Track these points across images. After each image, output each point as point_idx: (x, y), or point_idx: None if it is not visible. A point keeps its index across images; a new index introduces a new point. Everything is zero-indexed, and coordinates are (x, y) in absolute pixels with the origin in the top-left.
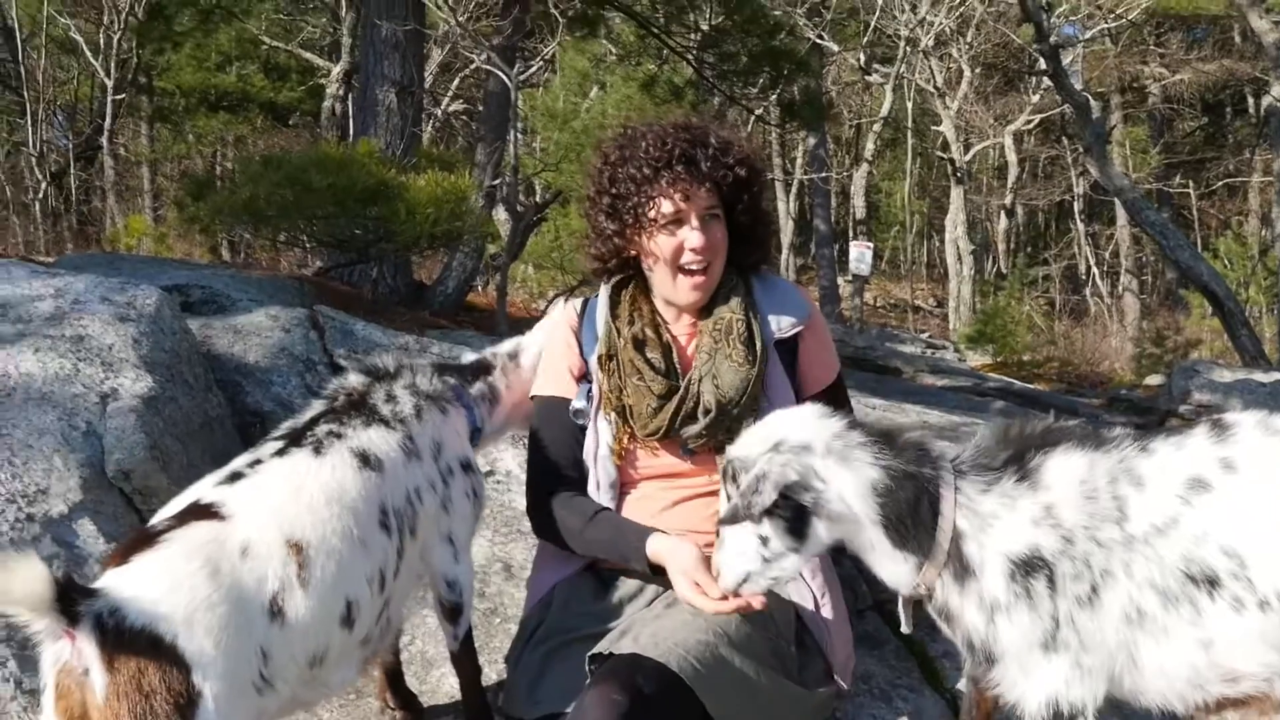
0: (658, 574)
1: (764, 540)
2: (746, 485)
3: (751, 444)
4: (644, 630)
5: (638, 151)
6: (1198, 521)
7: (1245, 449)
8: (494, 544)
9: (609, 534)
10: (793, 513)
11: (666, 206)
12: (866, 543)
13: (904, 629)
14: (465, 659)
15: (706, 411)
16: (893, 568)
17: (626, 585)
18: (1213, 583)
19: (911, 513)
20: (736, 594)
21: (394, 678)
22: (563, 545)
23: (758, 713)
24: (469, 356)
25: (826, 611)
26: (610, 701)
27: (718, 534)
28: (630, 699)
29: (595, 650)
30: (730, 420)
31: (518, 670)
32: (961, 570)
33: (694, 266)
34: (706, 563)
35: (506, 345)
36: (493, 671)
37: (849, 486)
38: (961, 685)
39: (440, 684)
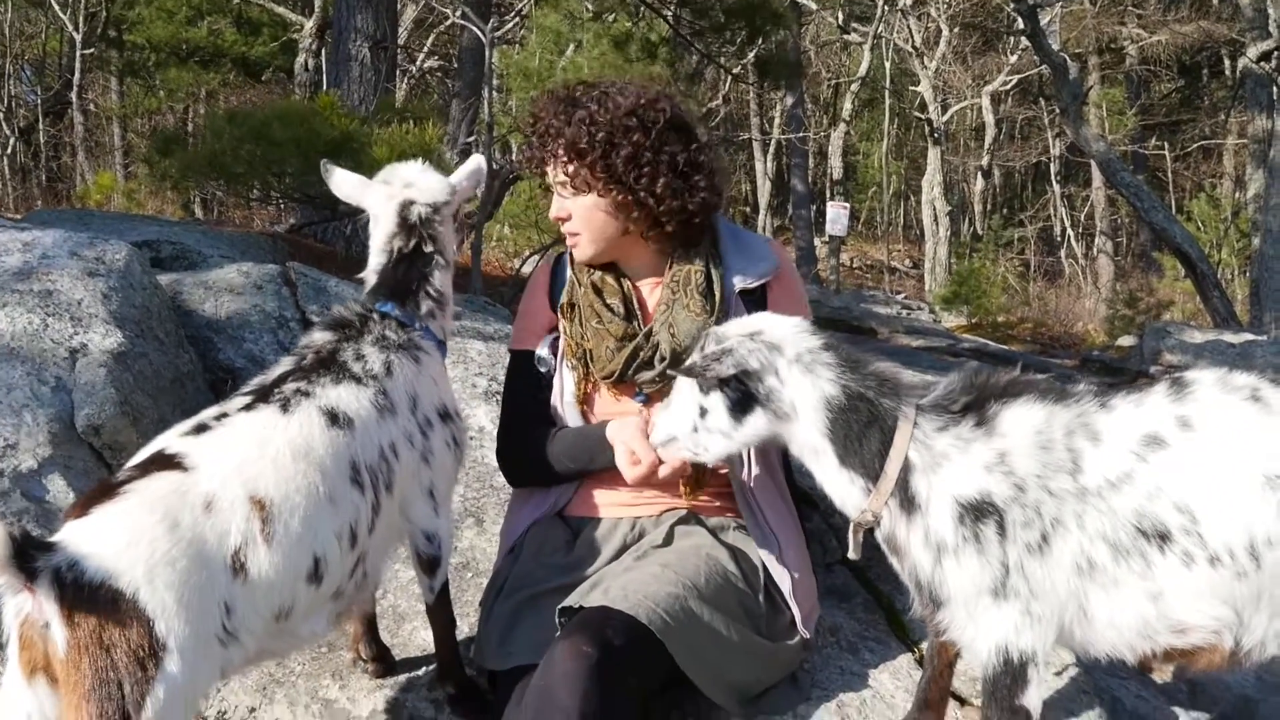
0: None
1: (703, 412)
2: (711, 351)
3: (734, 326)
4: (614, 583)
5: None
6: (1152, 477)
7: (1202, 407)
8: (465, 498)
9: (573, 437)
10: (741, 396)
11: (549, 173)
12: (812, 449)
13: (851, 555)
14: (440, 612)
15: (662, 359)
16: (839, 484)
17: (597, 531)
18: (1164, 537)
19: (861, 434)
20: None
21: (368, 631)
22: (539, 480)
23: (726, 665)
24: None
25: (791, 561)
26: (580, 653)
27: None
28: (600, 651)
29: (565, 604)
30: None
31: (489, 622)
32: (908, 502)
33: (564, 231)
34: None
35: (423, 202)
36: (465, 625)
37: (805, 394)
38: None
39: (412, 637)
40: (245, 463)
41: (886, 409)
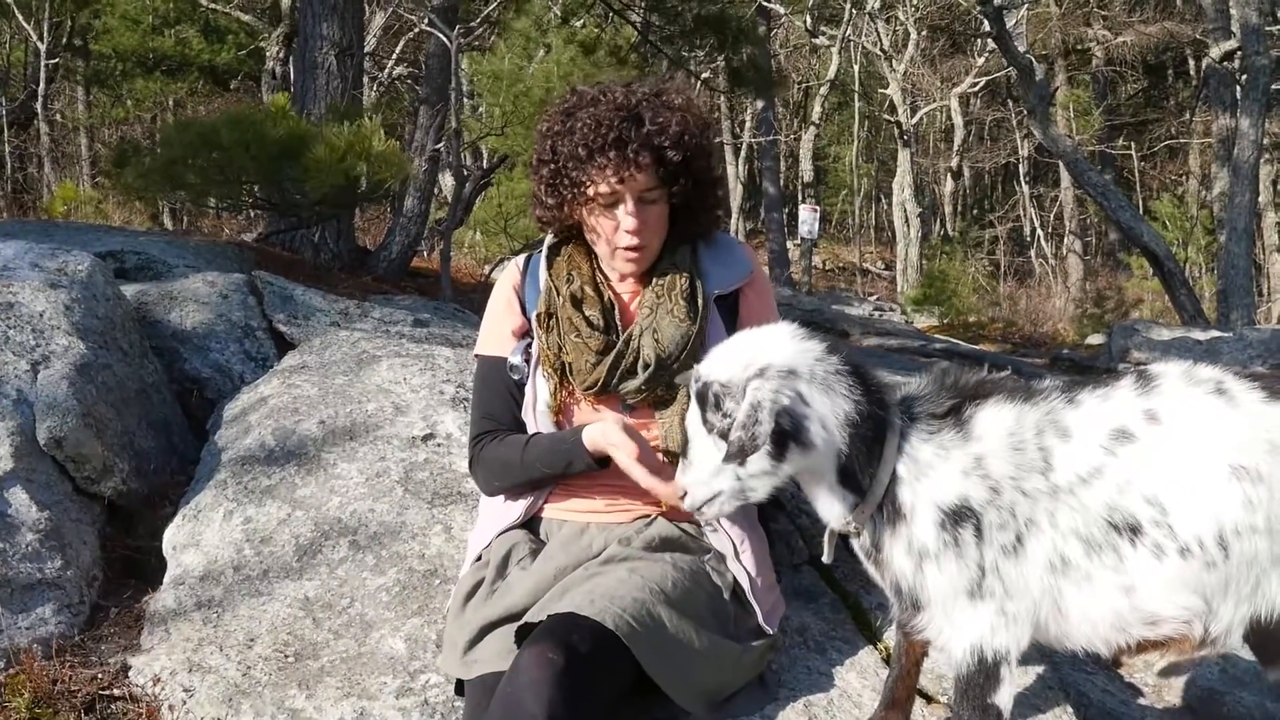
0: (603, 465)
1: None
2: (745, 417)
3: (732, 366)
4: (579, 589)
5: (576, 128)
6: (1121, 471)
7: (1168, 400)
8: (434, 506)
9: (545, 444)
10: (777, 436)
11: (604, 187)
12: (815, 471)
13: (825, 559)
14: None
15: (646, 366)
16: (829, 501)
17: (566, 538)
18: (1135, 530)
19: (866, 450)
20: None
21: None
22: (511, 489)
23: (693, 669)
24: None
25: (747, 560)
26: (545, 661)
27: (681, 458)
28: (565, 658)
29: (529, 615)
30: (669, 375)
31: (455, 630)
32: (894, 513)
33: (629, 245)
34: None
35: None
36: (432, 632)
37: (830, 415)
38: (890, 635)
39: (380, 645)
40: None
41: (883, 421)
